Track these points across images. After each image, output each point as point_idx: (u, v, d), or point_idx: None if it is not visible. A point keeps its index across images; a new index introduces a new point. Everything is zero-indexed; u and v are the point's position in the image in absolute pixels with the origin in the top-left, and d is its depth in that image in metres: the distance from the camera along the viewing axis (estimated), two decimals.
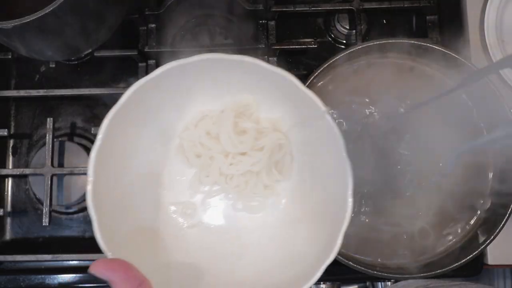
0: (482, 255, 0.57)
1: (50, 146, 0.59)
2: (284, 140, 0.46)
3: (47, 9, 0.47)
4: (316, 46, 0.63)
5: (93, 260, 0.59)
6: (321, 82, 0.55)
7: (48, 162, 0.59)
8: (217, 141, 0.45)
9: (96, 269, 0.34)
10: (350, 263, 0.51)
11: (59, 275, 0.61)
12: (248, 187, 0.46)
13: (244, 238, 0.46)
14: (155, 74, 0.40)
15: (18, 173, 0.61)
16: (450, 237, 0.55)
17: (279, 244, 0.45)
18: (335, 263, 0.43)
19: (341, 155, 0.40)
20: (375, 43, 0.54)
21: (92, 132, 0.61)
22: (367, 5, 0.63)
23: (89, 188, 0.38)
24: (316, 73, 0.53)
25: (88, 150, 0.63)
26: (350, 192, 0.40)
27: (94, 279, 0.60)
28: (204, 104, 0.46)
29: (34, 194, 0.63)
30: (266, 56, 0.63)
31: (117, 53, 0.63)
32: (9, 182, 0.65)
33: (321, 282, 0.59)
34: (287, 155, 0.46)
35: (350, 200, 0.40)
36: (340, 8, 0.64)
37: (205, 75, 0.43)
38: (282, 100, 0.44)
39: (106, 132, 0.39)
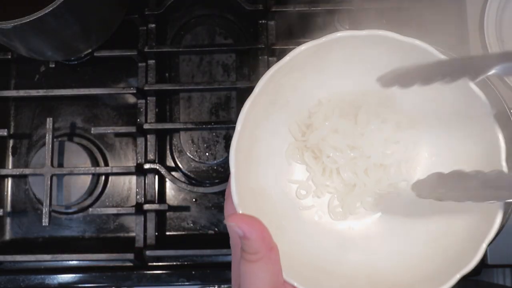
0: None
1: (50, 146, 0.59)
2: (418, 138, 0.43)
3: (47, 9, 0.47)
4: None
5: (93, 260, 0.60)
6: None
7: (48, 162, 0.59)
8: (351, 121, 0.43)
9: (235, 221, 0.33)
10: None
11: (59, 275, 0.61)
12: (372, 180, 0.43)
13: (357, 232, 0.44)
14: (331, 38, 0.38)
15: (17, 173, 0.61)
16: None
17: (392, 243, 0.42)
18: None
19: (499, 163, 0.36)
20: None
21: (92, 132, 0.61)
22: (367, 5, 0.63)
23: (235, 139, 0.37)
24: None
25: (87, 150, 0.64)
26: (500, 211, 0.35)
27: (94, 279, 0.61)
28: (340, 86, 0.43)
29: (34, 194, 0.63)
30: (266, 56, 0.63)
31: (117, 53, 0.63)
32: (9, 182, 0.65)
33: None
34: (419, 155, 0.43)
35: (500, 213, 0.36)
36: (340, 8, 0.64)
37: (356, 55, 0.40)
38: (429, 95, 0.41)
39: (261, 88, 0.37)
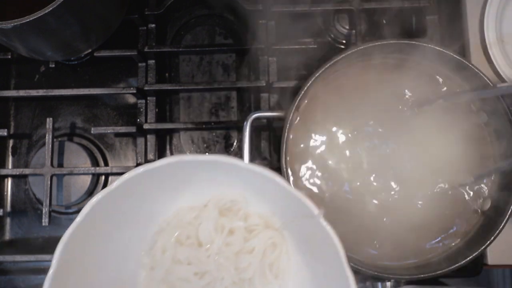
0: (482, 255, 0.57)
1: (50, 146, 0.59)
2: (278, 238, 0.40)
3: (47, 9, 0.47)
4: (316, 46, 0.63)
5: None
6: (320, 87, 0.55)
7: (48, 162, 0.59)
8: (193, 245, 0.40)
9: None
10: (351, 264, 0.50)
11: None
12: None
13: None
14: (123, 180, 0.36)
15: (17, 173, 0.61)
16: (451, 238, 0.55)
17: None
18: None
19: (341, 264, 0.35)
20: (375, 44, 0.54)
21: (92, 132, 0.61)
22: (367, 5, 0.63)
23: None
24: (315, 76, 0.53)
25: (87, 150, 0.63)
26: None
27: None
28: (183, 200, 0.40)
29: (34, 194, 0.63)
30: (266, 56, 0.63)
31: (117, 53, 0.62)
32: (9, 182, 0.65)
33: None
34: (283, 255, 0.40)
35: None
36: (340, 8, 0.64)
37: (180, 175, 0.38)
38: (271, 195, 0.39)
39: (61, 257, 0.34)
